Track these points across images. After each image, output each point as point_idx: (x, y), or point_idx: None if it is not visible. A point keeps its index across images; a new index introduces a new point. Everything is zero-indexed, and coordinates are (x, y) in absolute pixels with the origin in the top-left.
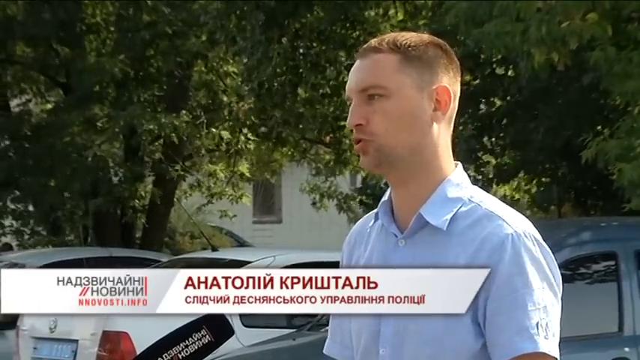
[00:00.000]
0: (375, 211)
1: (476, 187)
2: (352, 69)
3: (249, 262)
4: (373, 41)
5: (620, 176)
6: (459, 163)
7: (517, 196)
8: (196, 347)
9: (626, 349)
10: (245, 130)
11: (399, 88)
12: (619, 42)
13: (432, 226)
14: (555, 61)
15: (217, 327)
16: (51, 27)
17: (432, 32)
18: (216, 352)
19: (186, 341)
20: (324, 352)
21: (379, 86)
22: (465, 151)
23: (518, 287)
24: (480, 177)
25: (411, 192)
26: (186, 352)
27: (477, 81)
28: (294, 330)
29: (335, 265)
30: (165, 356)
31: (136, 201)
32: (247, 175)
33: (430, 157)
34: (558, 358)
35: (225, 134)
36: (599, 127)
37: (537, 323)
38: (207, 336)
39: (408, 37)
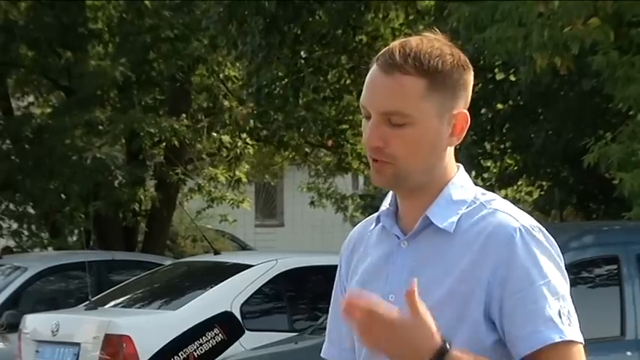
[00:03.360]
0: (376, 214)
1: (478, 188)
2: (372, 82)
3: (252, 266)
4: (397, 54)
5: (621, 185)
6: (460, 165)
7: (518, 197)
8: (210, 345)
9: (628, 353)
10: (244, 135)
11: (423, 117)
12: (621, 46)
13: (434, 227)
14: (558, 65)
15: (229, 326)
16: (54, 30)
17: None
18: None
19: (201, 340)
20: (322, 355)
21: (404, 115)
22: (467, 156)
23: (535, 279)
24: (481, 182)
25: (417, 200)
26: (201, 350)
27: (479, 86)
28: (297, 333)
29: (336, 268)
30: (181, 354)
31: (137, 205)
32: (245, 180)
33: (439, 174)
34: (583, 342)
35: (226, 138)
36: (601, 132)
37: (559, 312)
38: (219, 334)
39: (435, 56)
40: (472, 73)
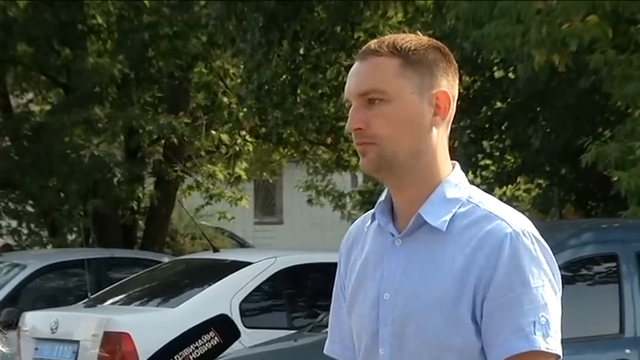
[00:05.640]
0: (372, 211)
1: (474, 187)
2: (351, 72)
3: (251, 263)
4: (372, 43)
5: (618, 184)
6: (456, 163)
7: (516, 195)
8: (206, 349)
9: (627, 351)
10: (243, 133)
11: (400, 93)
12: (619, 44)
13: (429, 226)
14: (556, 62)
15: (225, 329)
16: (52, 27)
17: (431, 36)
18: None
19: (196, 343)
20: (324, 352)
21: (379, 91)
22: (464, 155)
23: (515, 286)
24: (480, 180)
25: (410, 195)
26: (197, 353)
27: (478, 84)
28: (296, 331)
29: (335, 266)
30: (177, 357)
31: (136, 202)
32: (244, 178)
33: (429, 161)
34: (561, 355)
35: (225, 136)
36: (599, 129)
37: (534, 322)
38: (215, 337)
39: (408, 39)
40: (453, 63)
